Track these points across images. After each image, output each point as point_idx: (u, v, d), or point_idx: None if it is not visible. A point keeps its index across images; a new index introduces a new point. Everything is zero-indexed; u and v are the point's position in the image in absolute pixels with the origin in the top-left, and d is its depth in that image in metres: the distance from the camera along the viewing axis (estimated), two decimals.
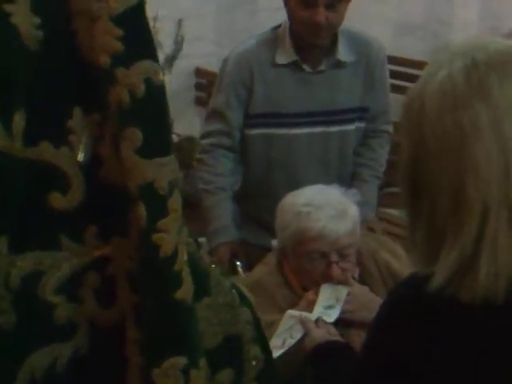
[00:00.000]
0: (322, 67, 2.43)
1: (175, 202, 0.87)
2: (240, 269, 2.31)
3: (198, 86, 5.30)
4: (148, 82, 0.86)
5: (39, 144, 0.89)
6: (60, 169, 0.90)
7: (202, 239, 2.75)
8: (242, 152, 2.49)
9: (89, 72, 0.89)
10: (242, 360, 1.01)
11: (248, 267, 2.31)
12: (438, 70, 1.06)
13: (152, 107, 0.87)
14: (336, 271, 1.95)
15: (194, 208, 2.60)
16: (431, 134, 1.04)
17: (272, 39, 2.43)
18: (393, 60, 5.03)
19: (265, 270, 2.09)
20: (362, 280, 2.03)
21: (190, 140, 3.80)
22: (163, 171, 0.86)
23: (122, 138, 0.86)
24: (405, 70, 5.00)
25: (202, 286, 0.96)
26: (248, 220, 2.52)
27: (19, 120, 0.87)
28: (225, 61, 2.47)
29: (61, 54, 0.90)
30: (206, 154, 2.48)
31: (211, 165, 2.47)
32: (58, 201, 0.90)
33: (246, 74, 2.39)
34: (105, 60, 0.87)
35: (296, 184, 2.40)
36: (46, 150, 0.89)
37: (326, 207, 1.97)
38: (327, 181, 2.41)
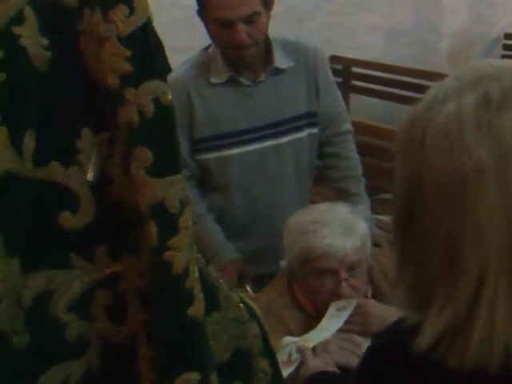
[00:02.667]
0: (262, 78, 2.35)
1: (186, 220, 0.88)
2: (249, 289, 2.26)
3: None
4: (157, 101, 0.87)
5: (49, 164, 0.90)
6: (70, 188, 0.91)
7: None
8: (199, 179, 2.42)
9: (97, 92, 0.90)
10: (252, 374, 1.02)
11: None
12: (446, 101, 0.93)
13: (161, 126, 0.88)
14: (345, 289, 1.92)
15: None
16: (430, 176, 0.91)
17: (204, 60, 2.37)
18: (383, 67, 5.06)
19: (274, 292, 2.06)
20: (375, 299, 2.00)
21: None
22: (173, 189, 0.87)
23: (132, 157, 0.87)
24: (394, 76, 5.03)
25: (212, 302, 0.97)
26: None
27: (29, 141, 0.88)
28: None
29: (69, 74, 0.91)
30: None
31: None
32: (69, 220, 0.91)
33: (184, 99, 2.32)
34: (113, 81, 0.88)
35: (254, 204, 2.35)
36: (55, 170, 0.90)
37: (332, 224, 1.94)
38: (285, 194, 2.38)
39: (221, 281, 1.01)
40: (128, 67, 0.88)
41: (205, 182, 2.40)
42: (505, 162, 0.88)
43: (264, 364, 1.03)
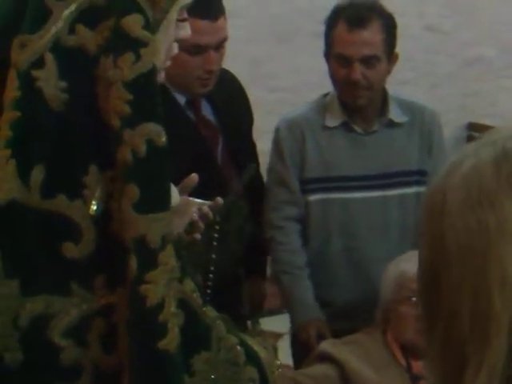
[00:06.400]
0: (375, 128, 2.36)
1: (166, 256, 0.92)
2: None
3: None
4: (149, 143, 0.93)
5: (56, 197, 0.97)
6: (73, 220, 0.97)
7: None
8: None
9: (105, 132, 0.97)
10: None
11: None
12: (463, 161, 0.94)
13: (151, 166, 0.93)
14: None
15: None
16: (452, 234, 0.92)
17: (321, 104, 2.41)
18: None
19: (366, 335, 2.09)
20: None
21: None
22: (156, 226, 0.92)
23: (123, 193, 0.93)
24: None
25: (202, 341, 1.00)
26: None
27: (38, 174, 0.96)
28: (277, 130, 2.45)
29: (82, 115, 0.98)
30: (277, 231, 2.43)
31: (285, 243, 2.41)
32: (71, 250, 0.97)
33: (299, 139, 2.37)
34: (116, 122, 0.95)
35: (355, 253, 2.34)
36: (61, 203, 0.97)
37: None
38: (387, 250, 2.35)
39: (217, 322, 1.03)
40: (128, 110, 0.94)
41: (306, 224, 2.44)
42: None
43: None
